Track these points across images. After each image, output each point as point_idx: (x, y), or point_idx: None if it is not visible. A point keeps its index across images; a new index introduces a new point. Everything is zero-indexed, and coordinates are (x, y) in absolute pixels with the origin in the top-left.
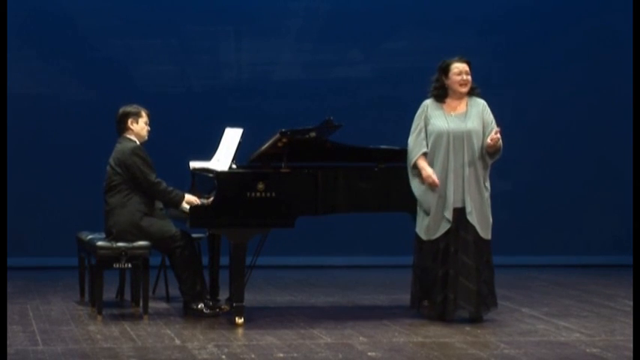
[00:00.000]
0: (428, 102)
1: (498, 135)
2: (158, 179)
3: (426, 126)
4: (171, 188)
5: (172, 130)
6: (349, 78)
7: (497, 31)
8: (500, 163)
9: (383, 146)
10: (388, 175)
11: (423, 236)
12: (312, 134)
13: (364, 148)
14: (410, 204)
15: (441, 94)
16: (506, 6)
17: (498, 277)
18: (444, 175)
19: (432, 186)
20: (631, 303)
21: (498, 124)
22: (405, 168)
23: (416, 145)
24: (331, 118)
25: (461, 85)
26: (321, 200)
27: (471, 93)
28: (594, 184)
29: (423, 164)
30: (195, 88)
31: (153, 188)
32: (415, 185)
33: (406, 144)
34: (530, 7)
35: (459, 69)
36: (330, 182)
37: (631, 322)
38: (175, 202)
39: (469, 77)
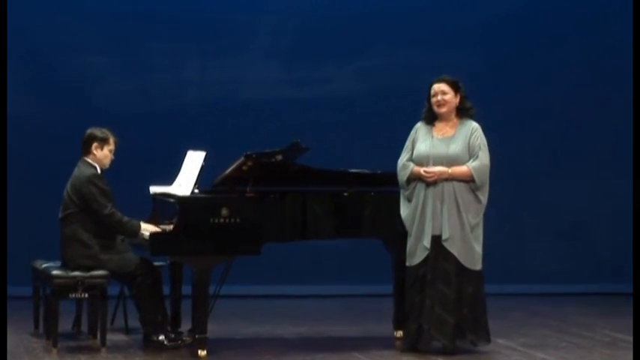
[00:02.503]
0: (419, 125)
1: (428, 174)
2: (112, 210)
3: (413, 149)
4: (126, 219)
5: (132, 152)
6: (318, 98)
7: (479, 46)
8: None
9: (353, 170)
10: (359, 200)
11: (407, 261)
12: (279, 157)
13: (334, 171)
14: (382, 230)
15: (430, 117)
16: (487, 20)
17: None
18: (423, 201)
19: (426, 177)
20: (611, 333)
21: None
22: (377, 193)
23: (404, 167)
24: (299, 140)
25: (437, 106)
26: (289, 226)
27: (463, 114)
28: (575, 209)
29: (416, 170)
30: (157, 108)
31: (107, 219)
32: (402, 208)
33: (377, 168)
34: (514, 20)
35: (435, 90)
36: (298, 207)
37: (610, 352)
38: (131, 233)
39: (445, 97)
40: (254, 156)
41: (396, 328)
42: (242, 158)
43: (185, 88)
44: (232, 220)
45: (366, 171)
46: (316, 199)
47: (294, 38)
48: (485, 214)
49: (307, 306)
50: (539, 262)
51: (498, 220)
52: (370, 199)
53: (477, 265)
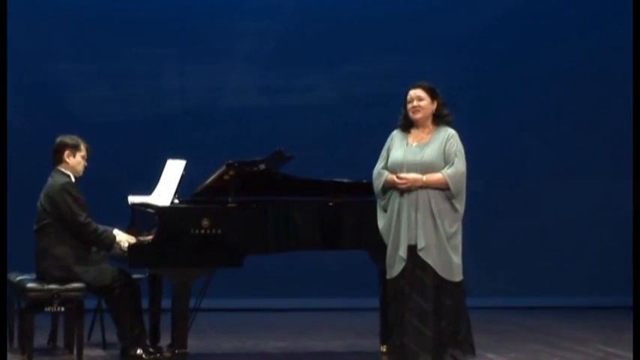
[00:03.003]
0: (395, 132)
1: (401, 181)
2: (88, 219)
3: (388, 157)
4: (102, 229)
5: (110, 161)
6: (302, 105)
7: (466, 53)
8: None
9: (338, 179)
10: (344, 210)
11: (387, 273)
12: (262, 166)
13: (318, 181)
14: (367, 241)
15: (406, 124)
16: (476, 27)
17: None
18: (398, 210)
19: (398, 183)
20: (604, 348)
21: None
22: (362, 203)
23: (379, 175)
24: (282, 148)
25: (413, 112)
26: (272, 237)
27: (440, 121)
28: (568, 223)
29: (390, 178)
30: (135, 116)
31: (81, 229)
32: (378, 218)
33: (362, 177)
34: (502, 27)
35: (410, 95)
36: (282, 218)
37: None
38: (106, 245)
39: (420, 103)
40: (236, 165)
41: (382, 343)
42: (223, 167)
43: (164, 95)
44: (214, 231)
45: (350, 180)
46: (300, 210)
47: (276, 44)
48: (465, 224)
49: (291, 320)
50: (530, 275)
51: (488, 231)
52: (355, 209)
53: (456, 277)
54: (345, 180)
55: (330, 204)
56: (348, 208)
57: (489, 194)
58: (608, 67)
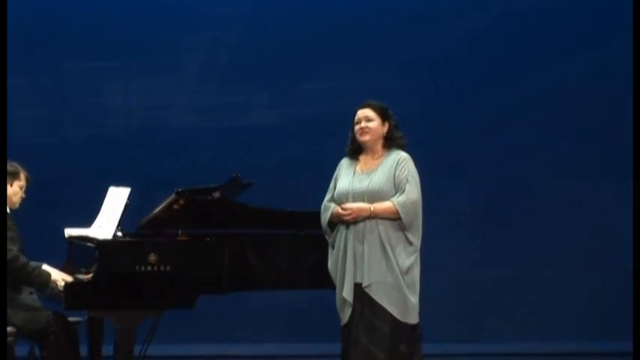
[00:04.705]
0: (343, 161)
1: (345, 212)
2: (17, 253)
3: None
4: (34, 265)
5: (43, 189)
6: (260, 126)
7: (440, 72)
8: (441, 232)
9: (303, 209)
10: (309, 244)
11: (340, 319)
12: (216, 194)
13: (280, 211)
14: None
15: (355, 149)
16: (452, 46)
17: None
18: (344, 245)
19: (342, 214)
20: None
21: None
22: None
23: (325, 209)
24: (239, 174)
25: (360, 134)
26: (227, 275)
27: (392, 145)
28: (556, 259)
29: (336, 211)
30: (73, 138)
31: (10, 265)
32: (328, 256)
33: None
34: (480, 45)
35: (358, 116)
36: (239, 253)
37: None
38: (39, 284)
39: (369, 125)
40: (187, 193)
41: None
42: (173, 196)
43: (105, 114)
44: (162, 268)
45: (317, 210)
46: (260, 244)
47: (231, 57)
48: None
49: None
50: (512, 318)
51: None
52: (322, 244)
53: (412, 318)
54: (311, 210)
55: (294, 237)
56: (313, 243)
57: (478, 231)
58: (602, 89)
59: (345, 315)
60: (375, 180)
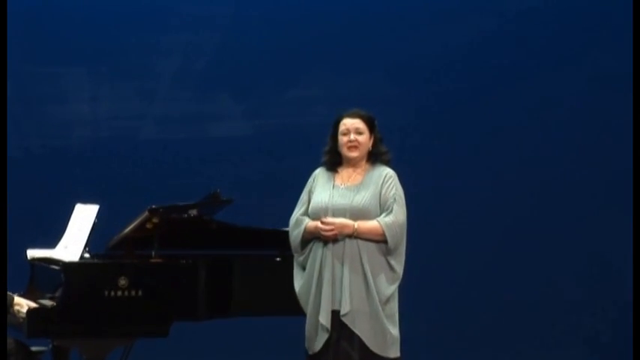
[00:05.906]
0: (318, 171)
1: (326, 227)
2: None
3: (309, 202)
4: None
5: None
6: (241, 137)
7: (434, 79)
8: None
9: (287, 228)
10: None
11: (308, 348)
12: (193, 212)
13: (262, 230)
14: None
15: (333, 161)
16: (436, 52)
17: None
18: (320, 265)
19: (323, 229)
20: None
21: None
22: None
23: (297, 224)
24: (218, 190)
25: (348, 148)
26: (204, 300)
27: (376, 159)
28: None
29: (311, 225)
30: (35, 150)
31: None
32: (295, 278)
33: None
34: (479, 53)
35: (346, 126)
36: (216, 276)
37: None
38: None
39: (359, 138)
40: (161, 210)
41: None
42: (145, 213)
43: (71, 124)
44: (133, 292)
45: None
46: (240, 266)
47: (209, 62)
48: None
49: None
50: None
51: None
52: None
53: (391, 352)
54: None
55: (278, 259)
56: None
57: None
58: (598, 101)
59: (318, 344)
60: (360, 197)
